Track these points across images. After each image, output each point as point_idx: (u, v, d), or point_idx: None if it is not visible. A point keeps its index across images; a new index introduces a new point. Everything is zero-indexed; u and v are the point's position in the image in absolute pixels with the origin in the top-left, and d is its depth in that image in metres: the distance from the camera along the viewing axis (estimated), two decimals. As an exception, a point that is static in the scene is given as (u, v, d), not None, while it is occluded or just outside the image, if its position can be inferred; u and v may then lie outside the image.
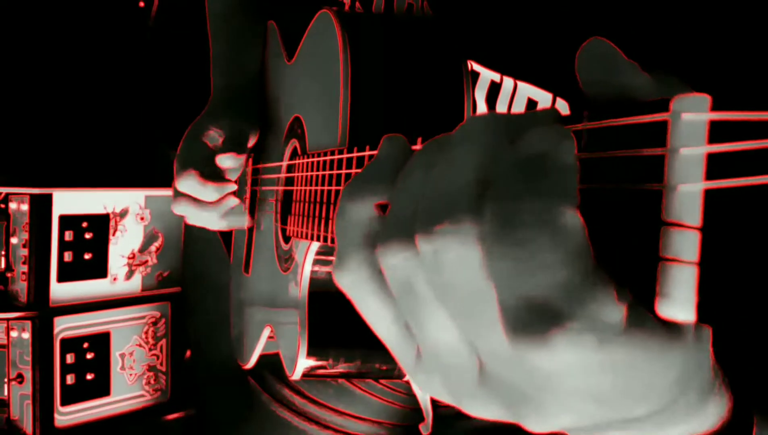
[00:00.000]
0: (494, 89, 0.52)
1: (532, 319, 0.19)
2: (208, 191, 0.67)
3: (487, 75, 0.52)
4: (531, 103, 0.50)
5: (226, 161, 0.68)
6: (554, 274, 0.18)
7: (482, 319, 0.20)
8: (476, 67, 0.53)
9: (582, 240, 0.19)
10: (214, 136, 0.70)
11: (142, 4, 1.25)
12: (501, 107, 0.52)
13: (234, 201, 0.70)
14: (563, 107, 0.49)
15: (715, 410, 0.25)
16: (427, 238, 0.21)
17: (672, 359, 0.20)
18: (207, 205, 0.69)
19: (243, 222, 0.74)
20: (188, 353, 1.17)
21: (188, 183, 0.67)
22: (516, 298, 0.19)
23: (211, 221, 0.71)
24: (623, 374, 0.19)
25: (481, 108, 0.53)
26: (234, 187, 0.70)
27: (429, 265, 0.21)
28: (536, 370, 0.19)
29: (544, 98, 0.49)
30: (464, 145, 0.22)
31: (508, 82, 0.51)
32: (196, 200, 0.69)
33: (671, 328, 0.19)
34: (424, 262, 0.21)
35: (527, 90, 0.50)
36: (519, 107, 0.51)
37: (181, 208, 0.70)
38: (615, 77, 0.21)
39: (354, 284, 0.24)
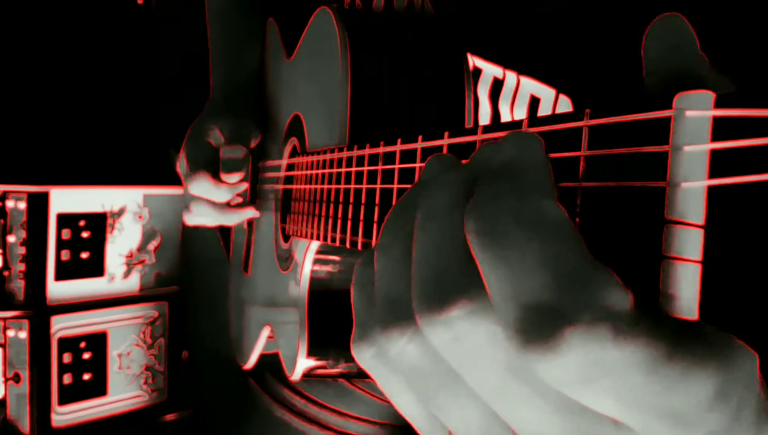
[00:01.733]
0: (497, 86, 0.52)
1: (537, 325, 0.17)
2: (221, 192, 0.67)
3: (489, 71, 0.52)
4: (534, 100, 0.50)
5: (231, 155, 0.68)
6: (549, 269, 0.17)
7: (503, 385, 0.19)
8: (479, 63, 0.53)
9: (569, 228, 0.18)
10: (218, 135, 0.70)
11: (140, 1, 1.25)
12: (504, 104, 0.52)
13: (251, 214, 0.71)
14: (566, 103, 0.48)
15: None
16: (429, 322, 0.19)
17: (703, 367, 0.16)
18: (220, 205, 0.69)
19: (252, 213, 0.73)
20: (186, 353, 1.17)
21: (201, 185, 0.67)
22: (519, 309, 0.17)
23: (223, 219, 0.72)
24: (651, 377, 0.16)
25: (484, 105, 0.53)
26: (245, 185, 0.70)
27: (439, 347, 0.20)
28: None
29: (547, 94, 0.49)
30: (429, 223, 0.21)
31: (510, 78, 0.51)
32: (210, 202, 0.69)
33: (689, 329, 0.17)
34: (431, 346, 0.20)
35: (530, 86, 0.50)
36: (522, 104, 0.51)
37: (198, 212, 0.70)
38: (684, 57, 0.20)
39: (372, 365, 0.22)
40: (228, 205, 0.70)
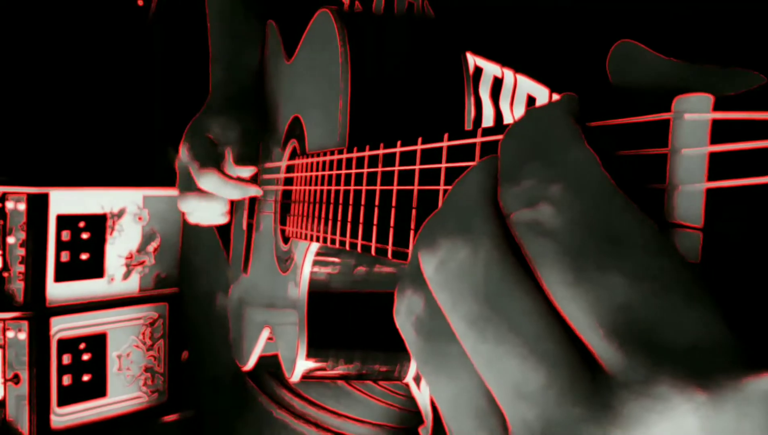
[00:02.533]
0: (497, 85, 0.52)
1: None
2: (229, 188, 0.68)
3: (490, 70, 0.52)
4: (531, 100, 0.50)
5: (244, 172, 0.69)
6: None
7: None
8: (479, 62, 0.53)
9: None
10: (220, 134, 0.70)
11: (140, 2, 1.25)
12: (504, 103, 0.52)
13: (256, 192, 0.71)
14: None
15: None
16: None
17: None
18: (215, 197, 0.70)
19: (255, 191, 0.74)
20: (186, 354, 1.17)
21: (212, 181, 0.68)
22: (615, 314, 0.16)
23: (216, 215, 0.73)
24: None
25: (487, 105, 0.53)
26: (257, 188, 0.71)
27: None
28: None
29: (542, 93, 0.49)
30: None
31: (508, 77, 0.51)
32: (208, 196, 0.70)
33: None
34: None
35: (527, 85, 0.50)
36: (520, 103, 0.51)
37: (190, 204, 0.71)
38: (645, 73, 0.20)
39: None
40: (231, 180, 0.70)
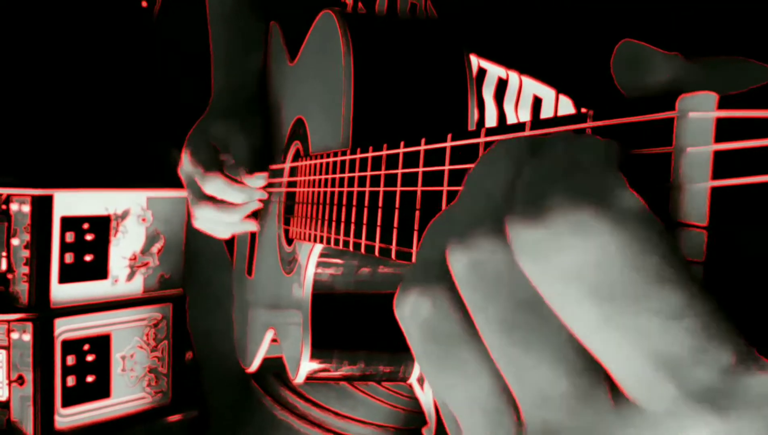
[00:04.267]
0: (502, 86, 0.52)
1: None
2: (235, 191, 0.68)
3: (494, 72, 0.52)
4: (537, 101, 0.50)
5: (257, 181, 0.69)
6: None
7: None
8: (483, 64, 0.53)
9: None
10: (222, 140, 0.70)
11: (144, 4, 1.26)
12: (509, 105, 0.52)
13: (256, 203, 0.71)
14: (566, 104, 0.49)
15: None
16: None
17: None
18: (230, 207, 0.69)
19: (252, 226, 0.74)
20: (189, 355, 1.17)
21: (216, 185, 0.67)
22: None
23: (230, 225, 0.72)
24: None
25: (490, 106, 0.53)
26: (262, 191, 0.70)
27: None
28: None
29: (548, 95, 0.49)
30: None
31: (513, 79, 0.51)
32: (221, 203, 0.69)
33: None
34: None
35: (532, 87, 0.50)
36: (525, 104, 0.51)
37: (204, 211, 0.70)
38: (651, 74, 0.20)
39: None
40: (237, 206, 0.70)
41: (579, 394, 0.17)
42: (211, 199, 0.69)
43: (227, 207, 0.69)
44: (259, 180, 0.69)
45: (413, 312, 0.20)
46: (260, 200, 0.73)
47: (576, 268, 0.16)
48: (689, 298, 0.16)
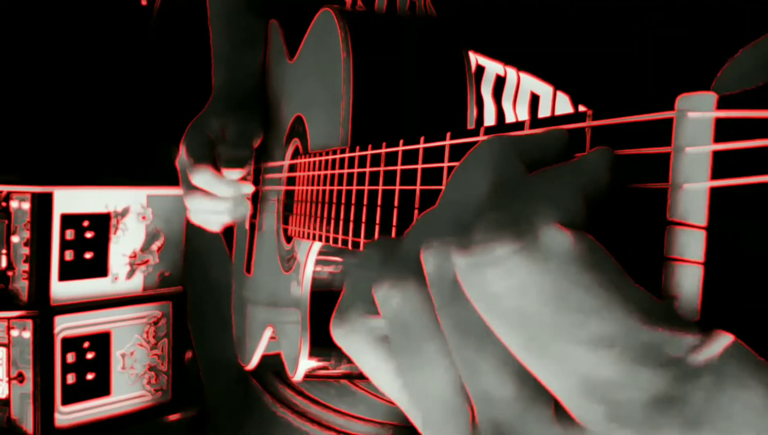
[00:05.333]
0: (500, 83, 0.52)
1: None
2: (222, 185, 0.68)
3: (492, 69, 0.52)
4: (534, 98, 0.50)
5: (233, 174, 0.69)
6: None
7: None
8: (481, 60, 0.53)
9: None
10: (219, 133, 0.71)
11: (144, 2, 1.26)
12: (506, 102, 0.52)
13: (248, 189, 0.71)
14: (564, 101, 0.48)
15: None
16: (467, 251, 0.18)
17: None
18: (220, 199, 0.70)
19: (241, 219, 0.74)
20: (189, 354, 1.17)
21: (204, 177, 0.68)
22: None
23: (222, 217, 0.72)
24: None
25: (489, 103, 0.53)
26: (252, 188, 0.70)
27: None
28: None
29: (545, 91, 0.49)
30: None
31: (511, 75, 0.51)
32: (209, 194, 0.70)
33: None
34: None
35: (530, 83, 0.50)
36: (523, 101, 0.51)
37: (194, 202, 0.71)
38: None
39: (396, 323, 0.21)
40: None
41: (523, 401, 0.18)
42: (200, 191, 0.70)
43: (215, 199, 0.70)
44: (235, 173, 0.69)
45: (384, 301, 0.21)
46: (261, 197, 0.73)
47: (495, 297, 0.17)
48: (615, 326, 0.16)
